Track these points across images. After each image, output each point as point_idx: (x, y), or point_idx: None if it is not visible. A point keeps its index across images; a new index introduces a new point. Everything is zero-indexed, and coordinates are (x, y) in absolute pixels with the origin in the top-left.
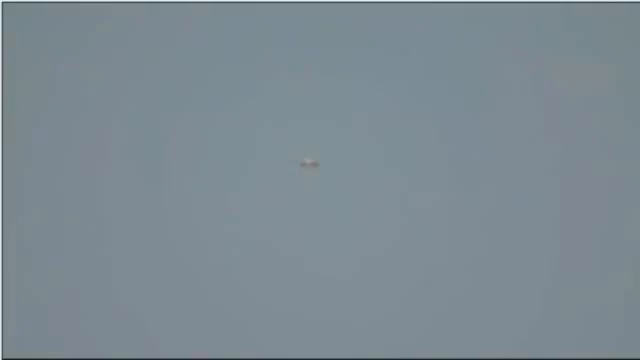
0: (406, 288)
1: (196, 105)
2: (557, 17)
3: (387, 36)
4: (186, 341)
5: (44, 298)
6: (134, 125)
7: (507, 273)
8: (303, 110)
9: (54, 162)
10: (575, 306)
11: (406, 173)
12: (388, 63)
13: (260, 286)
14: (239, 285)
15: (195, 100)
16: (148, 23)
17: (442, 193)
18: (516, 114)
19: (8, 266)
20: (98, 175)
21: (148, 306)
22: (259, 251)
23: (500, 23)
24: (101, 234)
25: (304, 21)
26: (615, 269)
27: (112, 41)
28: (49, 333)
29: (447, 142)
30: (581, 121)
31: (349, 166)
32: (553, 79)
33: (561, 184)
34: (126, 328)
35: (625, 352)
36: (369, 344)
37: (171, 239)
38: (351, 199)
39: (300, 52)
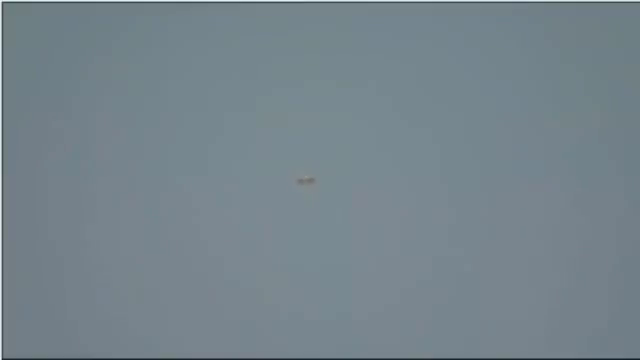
0: (404, 300)
1: (188, 117)
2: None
3: (382, 43)
4: (181, 346)
5: (44, 298)
6: (127, 135)
7: (508, 289)
8: (300, 124)
9: (51, 161)
10: (574, 306)
11: (406, 187)
12: (385, 72)
13: (256, 300)
14: (232, 299)
15: (187, 112)
16: (145, 22)
17: (443, 204)
18: (515, 115)
19: (8, 266)
20: (97, 178)
21: (147, 307)
22: (254, 267)
23: (496, 26)
24: (99, 238)
25: (298, 30)
26: (613, 269)
27: (111, 41)
28: (49, 333)
29: (449, 153)
30: (580, 120)
31: (346, 182)
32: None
33: (560, 184)
34: (126, 328)
35: (623, 352)
36: (367, 351)
37: (163, 256)
38: (349, 216)
39: (296, 64)
